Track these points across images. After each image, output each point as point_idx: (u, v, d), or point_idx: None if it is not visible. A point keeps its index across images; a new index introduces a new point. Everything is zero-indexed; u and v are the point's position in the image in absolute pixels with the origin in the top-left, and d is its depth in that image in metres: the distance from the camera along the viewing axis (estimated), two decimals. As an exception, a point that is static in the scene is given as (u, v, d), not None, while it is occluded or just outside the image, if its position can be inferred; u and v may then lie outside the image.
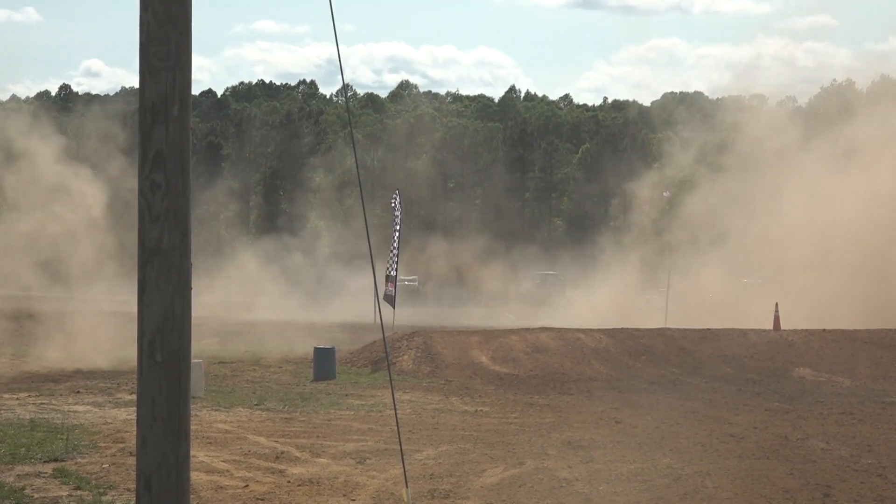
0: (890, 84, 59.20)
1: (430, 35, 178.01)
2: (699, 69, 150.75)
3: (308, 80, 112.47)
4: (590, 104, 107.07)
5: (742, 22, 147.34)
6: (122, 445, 15.31)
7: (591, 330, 29.71)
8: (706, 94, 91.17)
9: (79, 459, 14.34)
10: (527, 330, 30.01)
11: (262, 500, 12.43)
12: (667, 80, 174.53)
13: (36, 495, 12.35)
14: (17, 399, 20.61)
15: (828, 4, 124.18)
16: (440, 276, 62.70)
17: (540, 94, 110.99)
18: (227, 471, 13.82)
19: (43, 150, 33.74)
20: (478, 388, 23.87)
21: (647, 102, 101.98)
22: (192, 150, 5.13)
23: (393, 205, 32.78)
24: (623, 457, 15.01)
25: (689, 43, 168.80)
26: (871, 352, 27.54)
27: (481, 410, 20.33)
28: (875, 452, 15.87)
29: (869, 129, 43.20)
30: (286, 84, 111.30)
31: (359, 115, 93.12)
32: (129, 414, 18.18)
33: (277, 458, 14.78)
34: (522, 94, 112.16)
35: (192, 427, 5.64)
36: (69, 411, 19.04)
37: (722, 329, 30.09)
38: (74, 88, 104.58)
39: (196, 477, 12.54)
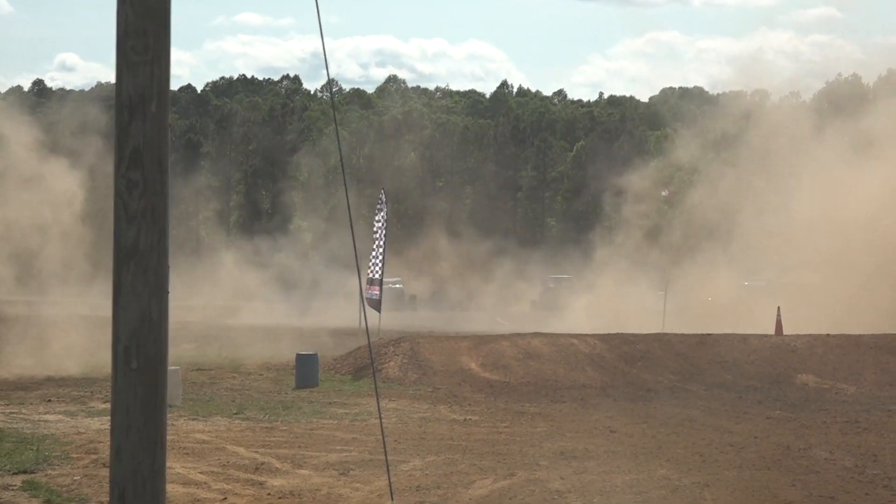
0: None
1: (419, 28, 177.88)
2: (699, 63, 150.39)
3: (292, 75, 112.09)
4: (585, 100, 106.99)
5: (744, 14, 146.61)
6: (94, 456, 15.17)
7: (584, 335, 29.60)
8: (706, 89, 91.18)
9: (49, 471, 14.22)
10: (518, 335, 29.89)
11: (240, 513, 12.35)
12: (665, 74, 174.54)
13: (3, 509, 12.25)
14: (-14, 408, 20.43)
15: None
16: (428, 280, 62.49)
17: (533, 90, 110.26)
18: (205, 483, 13.68)
19: (17, 137, 33.16)
20: (467, 395, 23.65)
21: (644, 98, 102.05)
22: (170, 147, 5.12)
23: (379, 205, 32.39)
24: (618, 467, 14.90)
25: (688, 36, 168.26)
26: (877, 357, 27.17)
27: (470, 419, 20.11)
28: (881, 463, 15.71)
29: (887, 122, 42.00)
30: (269, 79, 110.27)
31: (344, 111, 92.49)
32: (102, 423, 18.01)
33: (257, 469, 14.62)
34: (515, 90, 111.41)
35: (169, 437, 5.64)
36: (40, 420, 18.83)
37: (721, 334, 29.87)
38: (48, 83, 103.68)
39: (172, 489, 12.45)
